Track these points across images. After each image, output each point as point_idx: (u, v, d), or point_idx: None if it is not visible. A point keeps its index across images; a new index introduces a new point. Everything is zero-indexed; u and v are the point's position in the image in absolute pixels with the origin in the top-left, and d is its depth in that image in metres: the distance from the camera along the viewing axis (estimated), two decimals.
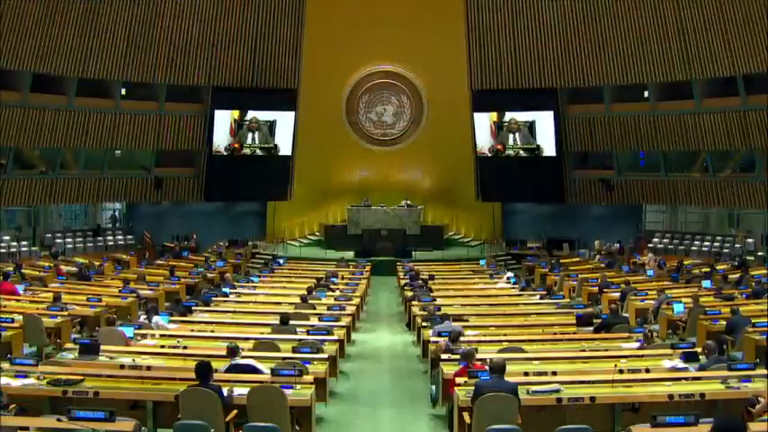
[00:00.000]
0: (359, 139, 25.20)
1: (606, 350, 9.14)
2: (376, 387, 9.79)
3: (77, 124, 20.44)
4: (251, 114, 22.67)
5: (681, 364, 8.04)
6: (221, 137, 22.53)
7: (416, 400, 9.09)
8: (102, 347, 8.56)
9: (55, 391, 7.01)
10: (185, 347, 9.02)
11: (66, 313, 11.24)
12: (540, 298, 13.75)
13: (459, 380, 7.34)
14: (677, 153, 22.06)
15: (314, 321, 11.09)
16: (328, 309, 12.24)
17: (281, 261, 20.42)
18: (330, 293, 14.20)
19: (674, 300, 12.56)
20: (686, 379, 7.54)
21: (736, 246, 20.56)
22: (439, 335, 9.62)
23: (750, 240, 20.65)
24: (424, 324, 10.96)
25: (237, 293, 14.48)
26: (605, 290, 14.70)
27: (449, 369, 7.94)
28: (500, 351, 8.76)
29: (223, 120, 22.56)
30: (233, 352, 7.83)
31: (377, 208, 23.55)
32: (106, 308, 12.12)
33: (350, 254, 21.77)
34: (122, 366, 7.94)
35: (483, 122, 22.87)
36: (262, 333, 10.10)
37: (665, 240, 23.05)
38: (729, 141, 19.67)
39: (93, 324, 11.67)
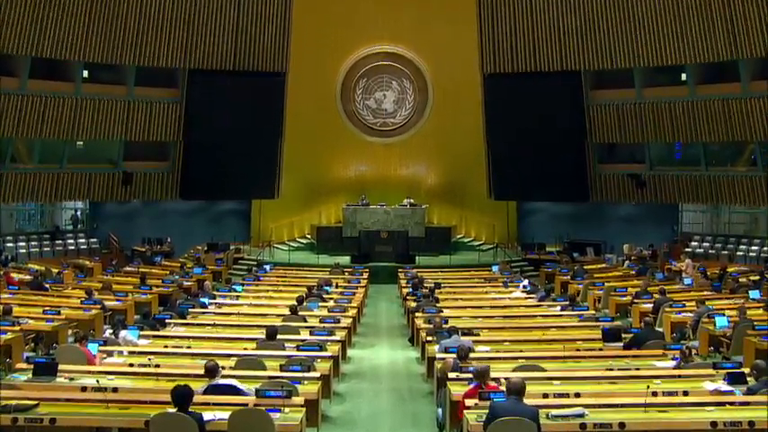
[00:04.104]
0: (355, 130, 25.23)
1: (637, 369, 9.16)
2: (374, 410, 9.79)
3: (31, 111, 20.35)
4: None
5: (725, 387, 8.03)
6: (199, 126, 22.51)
7: (420, 425, 9.09)
8: (60, 367, 8.53)
9: (4, 419, 6.96)
10: (157, 366, 9.02)
11: (17, 328, 11.20)
12: (561, 309, 13.80)
13: (469, 402, 7.34)
14: (720, 144, 22.03)
15: (305, 335, 11.15)
16: (321, 321, 12.29)
17: (268, 267, 20.44)
18: (323, 304, 14.26)
19: (716, 312, 12.56)
20: (731, 404, 7.53)
21: None
22: (446, 351, 9.65)
23: None
24: (430, 339, 11.01)
25: (218, 304, 14.52)
26: (636, 300, 14.68)
27: (457, 390, 7.95)
28: (515, 369, 8.78)
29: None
30: (212, 371, 7.82)
31: (376, 207, 23.61)
32: (66, 322, 12.08)
33: (345, 259, 21.84)
34: (84, 389, 7.91)
35: None
36: (245, 349, 10.13)
37: (706, 244, 23.07)
38: None
39: (51, 340, 11.65)
